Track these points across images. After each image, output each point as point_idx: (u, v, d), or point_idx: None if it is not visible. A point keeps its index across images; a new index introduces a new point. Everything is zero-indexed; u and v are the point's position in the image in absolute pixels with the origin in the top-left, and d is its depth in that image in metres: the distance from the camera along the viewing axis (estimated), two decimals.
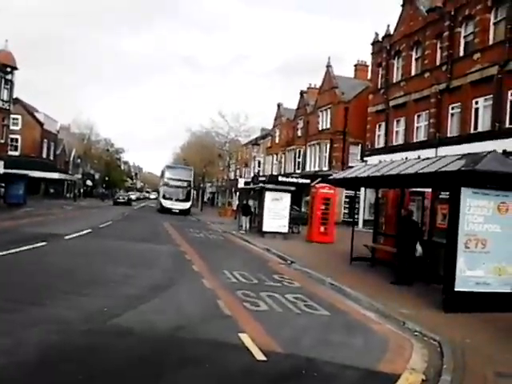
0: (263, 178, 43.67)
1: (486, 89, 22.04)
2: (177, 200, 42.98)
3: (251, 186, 35.30)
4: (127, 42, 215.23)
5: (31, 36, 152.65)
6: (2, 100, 39.59)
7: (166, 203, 42.84)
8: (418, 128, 28.02)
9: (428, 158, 11.26)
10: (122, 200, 62.63)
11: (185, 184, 44.24)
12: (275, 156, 54.27)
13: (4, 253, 11.66)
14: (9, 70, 40.02)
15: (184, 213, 41.75)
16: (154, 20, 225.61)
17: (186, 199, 43.99)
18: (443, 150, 22.06)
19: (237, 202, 43.08)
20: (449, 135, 24.82)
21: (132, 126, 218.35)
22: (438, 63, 26.11)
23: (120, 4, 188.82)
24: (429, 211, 12.70)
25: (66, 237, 16.60)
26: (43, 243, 14.18)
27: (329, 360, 5.74)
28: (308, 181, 37.97)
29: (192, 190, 47.25)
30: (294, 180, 39.97)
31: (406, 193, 13.42)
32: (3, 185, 33.45)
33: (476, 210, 8.54)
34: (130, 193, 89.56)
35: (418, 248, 11.19)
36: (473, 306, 8.43)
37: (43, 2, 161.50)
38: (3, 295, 7.67)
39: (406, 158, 17.70)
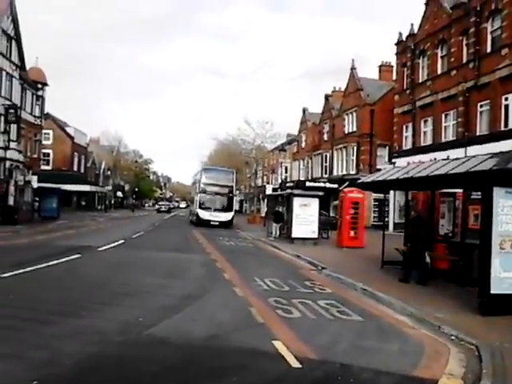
0: (291, 184, 43.66)
1: None
2: (216, 210, 35.78)
3: (279, 192, 35.37)
4: (150, 55, 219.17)
5: (58, 53, 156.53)
6: (34, 116, 40.71)
7: (204, 214, 35.61)
8: (446, 127, 27.61)
9: (458, 158, 11.08)
10: (164, 209, 77.94)
11: (226, 190, 36.95)
12: (302, 161, 54.19)
13: (40, 266, 11.97)
14: (40, 86, 41.20)
15: (225, 225, 35.08)
16: (176, 32, 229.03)
17: (228, 208, 36.54)
18: (473, 149, 21.68)
19: (265, 209, 42.53)
20: (478, 134, 24.39)
21: (159, 137, 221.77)
22: (464, 60, 25.73)
23: (141, 19, 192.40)
24: (460, 212, 12.51)
25: (99, 248, 16.92)
26: (77, 255, 14.49)
27: (364, 366, 5.70)
28: (336, 185, 37.80)
29: (235, 198, 39.97)
30: (322, 185, 39.85)
31: (437, 194, 13.25)
32: (37, 199, 34.29)
33: (510, 210, 8.36)
34: (169, 202, 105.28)
35: (426, 257, 11.58)
36: (510, 308, 8.25)
37: (67, 21, 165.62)
38: (40, 308, 7.88)
39: (435, 159, 17.45)
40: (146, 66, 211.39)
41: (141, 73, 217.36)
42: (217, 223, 34.74)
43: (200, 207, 36.01)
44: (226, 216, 35.76)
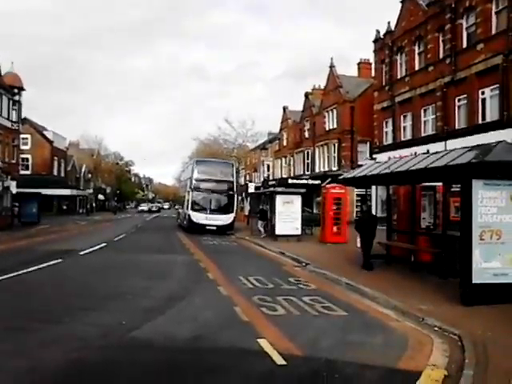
0: (273, 182, 43.68)
1: (492, 79, 21.90)
2: (213, 211, 28.58)
3: (261, 190, 35.34)
4: (133, 59, 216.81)
5: (38, 58, 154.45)
6: (11, 121, 40.05)
7: (198, 217, 28.43)
8: (425, 122, 27.87)
9: (437, 152, 11.19)
10: (155, 209, 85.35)
11: (224, 186, 29.53)
12: (284, 159, 54.27)
13: (21, 272, 11.80)
14: (16, 91, 40.51)
15: (224, 230, 28.13)
16: (157, 36, 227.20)
17: (227, 209, 29.17)
18: (452, 143, 21.91)
19: (248, 208, 41.98)
20: (457, 127, 24.66)
21: (140, 139, 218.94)
22: (441, 56, 25.98)
23: (122, 24, 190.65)
24: (441, 205, 12.64)
25: (81, 252, 16.74)
26: (59, 260, 14.31)
27: (349, 361, 5.72)
28: (318, 182, 37.90)
29: (236, 196, 31.40)
30: (304, 182, 39.88)
31: (417, 188, 13.37)
32: (17, 204, 33.79)
33: (489, 202, 8.48)
34: (158, 203, 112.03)
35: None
36: (492, 297, 8.36)
37: (46, 25, 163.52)
38: (21, 314, 7.77)
39: (415, 153, 17.60)
40: (128, 69, 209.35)
41: (123, 77, 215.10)
42: (214, 228, 27.91)
43: (192, 208, 28.79)
44: (224, 219, 28.56)
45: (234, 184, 30.38)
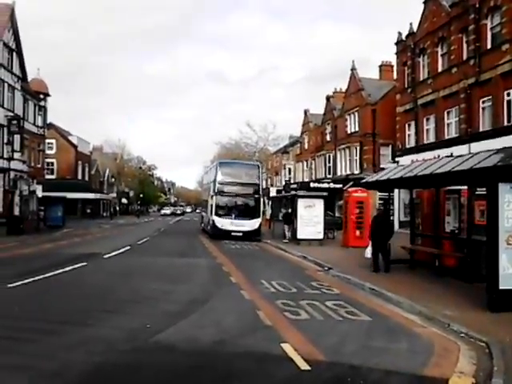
0: (294, 186, 43.59)
1: None
2: (239, 216, 26.93)
3: (283, 194, 35.28)
4: (153, 65, 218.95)
5: (61, 64, 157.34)
6: (37, 126, 40.86)
7: (222, 222, 26.85)
8: (448, 125, 27.51)
9: (461, 155, 11.05)
10: (180, 212, 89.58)
11: (250, 189, 27.79)
12: (305, 162, 54.14)
13: (46, 275, 11.99)
14: (42, 96, 41.36)
15: (250, 236, 26.52)
16: (178, 41, 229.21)
17: (253, 214, 27.34)
18: (476, 146, 21.57)
19: (269, 211, 41.77)
20: (481, 130, 24.27)
21: (162, 143, 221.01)
22: (464, 58, 25.64)
23: (143, 28, 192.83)
24: (466, 209, 12.45)
25: (105, 256, 16.95)
26: (83, 263, 14.51)
27: (373, 367, 5.67)
28: (340, 185, 37.69)
29: (262, 199, 29.30)
30: (326, 185, 39.76)
31: (441, 191, 13.20)
32: (43, 208, 34.39)
33: None
34: (181, 206, 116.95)
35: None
36: None
37: (69, 33, 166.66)
38: (47, 317, 7.89)
39: (439, 156, 17.41)
40: (149, 74, 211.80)
41: (144, 81, 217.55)
42: (240, 234, 26.43)
43: (216, 213, 27.23)
44: (251, 224, 26.93)
45: (260, 187, 28.68)
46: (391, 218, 27.81)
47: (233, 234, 26.35)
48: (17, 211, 30.92)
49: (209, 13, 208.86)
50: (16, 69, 35.14)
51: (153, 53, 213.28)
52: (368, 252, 14.15)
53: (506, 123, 22.33)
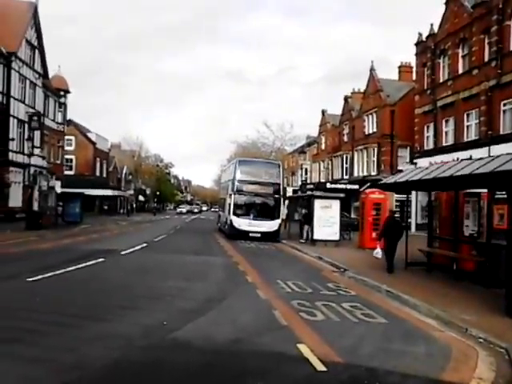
0: (311, 186, 43.49)
1: None
2: (258, 217, 26.19)
3: (299, 194, 35.20)
4: (173, 63, 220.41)
5: (80, 60, 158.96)
6: (57, 122, 41.43)
7: (240, 223, 26.13)
8: (468, 127, 27.22)
9: (481, 158, 10.91)
10: (197, 210, 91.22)
11: (270, 189, 26.94)
12: (322, 163, 54.00)
13: (65, 270, 12.14)
14: (62, 93, 41.95)
15: (269, 238, 25.63)
16: (196, 39, 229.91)
17: (273, 214, 26.46)
18: (496, 149, 21.34)
19: (286, 211, 41.56)
20: (502, 133, 23.98)
21: (180, 142, 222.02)
22: (486, 59, 25.34)
23: (161, 27, 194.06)
24: (485, 212, 12.30)
25: (123, 252, 17.09)
26: (101, 259, 14.64)
27: (390, 369, 5.63)
28: (356, 186, 37.54)
29: (282, 200, 28.31)
30: (343, 186, 39.59)
31: (460, 194, 13.06)
32: (61, 204, 34.81)
33: None
34: (197, 205, 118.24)
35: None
36: None
37: (89, 30, 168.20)
38: (66, 311, 7.98)
39: (458, 159, 17.22)
40: (168, 72, 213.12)
41: (163, 79, 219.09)
42: (258, 235, 25.61)
43: (234, 213, 26.42)
44: (270, 225, 26.07)
45: (281, 186, 27.72)
46: (409, 220, 27.55)
47: (251, 234, 25.63)
48: (36, 206, 31.40)
49: (229, 10, 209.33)
50: (38, 66, 35.67)
51: (171, 50, 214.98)
52: (378, 252, 13.81)
53: None
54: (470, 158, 15.45)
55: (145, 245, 20.26)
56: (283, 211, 38.27)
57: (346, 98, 47.86)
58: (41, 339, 6.30)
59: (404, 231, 14.49)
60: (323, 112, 54.96)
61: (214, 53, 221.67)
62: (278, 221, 26.61)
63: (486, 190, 12.27)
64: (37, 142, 35.22)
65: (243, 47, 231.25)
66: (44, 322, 7.19)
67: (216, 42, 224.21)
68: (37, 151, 35.12)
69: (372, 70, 40.99)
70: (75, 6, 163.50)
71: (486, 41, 25.47)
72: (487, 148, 23.48)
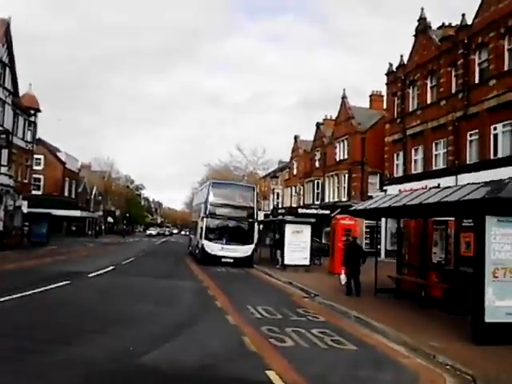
0: (282, 211, 43.63)
1: (504, 114, 21.99)
2: (230, 242, 25.22)
3: (271, 218, 35.25)
4: (147, 84, 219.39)
5: (54, 79, 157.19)
6: (26, 141, 40.61)
7: (212, 247, 25.10)
8: (436, 156, 27.92)
9: (449, 187, 11.18)
10: (168, 233, 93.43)
11: (244, 213, 26.27)
12: (294, 188, 54.35)
13: (28, 293, 11.78)
14: (32, 112, 41.24)
15: (242, 263, 24.73)
16: (174, 62, 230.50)
17: (246, 239, 25.63)
18: (463, 177, 21.93)
19: (256, 236, 41.39)
20: (468, 162, 24.66)
21: (151, 163, 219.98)
22: (453, 91, 26.18)
23: (138, 49, 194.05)
24: (453, 240, 12.53)
25: (90, 275, 16.73)
26: (67, 282, 14.29)
27: None
28: (328, 212, 37.84)
29: (256, 224, 27.27)
30: (314, 211, 39.86)
31: (429, 222, 13.29)
32: (27, 224, 34.00)
33: (502, 239, 8.39)
34: (167, 228, 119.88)
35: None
36: (505, 338, 8.20)
37: (65, 48, 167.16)
38: (30, 335, 7.74)
39: (426, 187, 17.60)
40: (143, 94, 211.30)
41: (137, 102, 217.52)
42: (231, 260, 24.69)
43: (206, 237, 25.36)
44: (243, 250, 25.14)
45: (255, 210, 26.84)
46: (378, 246, 27.88)
47: (223, 260, 24.68)
48: (1, 226, 30.54)
49: (206, 35, 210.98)
50: (8, 83, 35.08)
51: (148, 72, 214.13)
52: (343, 278, 14.80)
53: (492, 157, 22.74)
54: (438, 186, 15.83)
55: (112, 268, 19.88)
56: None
57: (317, 125, 48.60)
58: (1, 365, 6.05)
59: (367, 255, 15.14)
60: (295, 138, 55.60)
61: (191, 76, 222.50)
62: (252, 246, 25.76)
63: (453, 218, 12.53)
64: (4, 161, 34.40)
65: (220, 71, 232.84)
66: (4, 348, 6.89)
67: (192, 65, 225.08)
68: (4, 170, 34.29)
69: (344, 97, 41.82)
70: (50, 24, 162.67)
71: (453, 73, 26.36)
72: (454, 177, 24.10)
